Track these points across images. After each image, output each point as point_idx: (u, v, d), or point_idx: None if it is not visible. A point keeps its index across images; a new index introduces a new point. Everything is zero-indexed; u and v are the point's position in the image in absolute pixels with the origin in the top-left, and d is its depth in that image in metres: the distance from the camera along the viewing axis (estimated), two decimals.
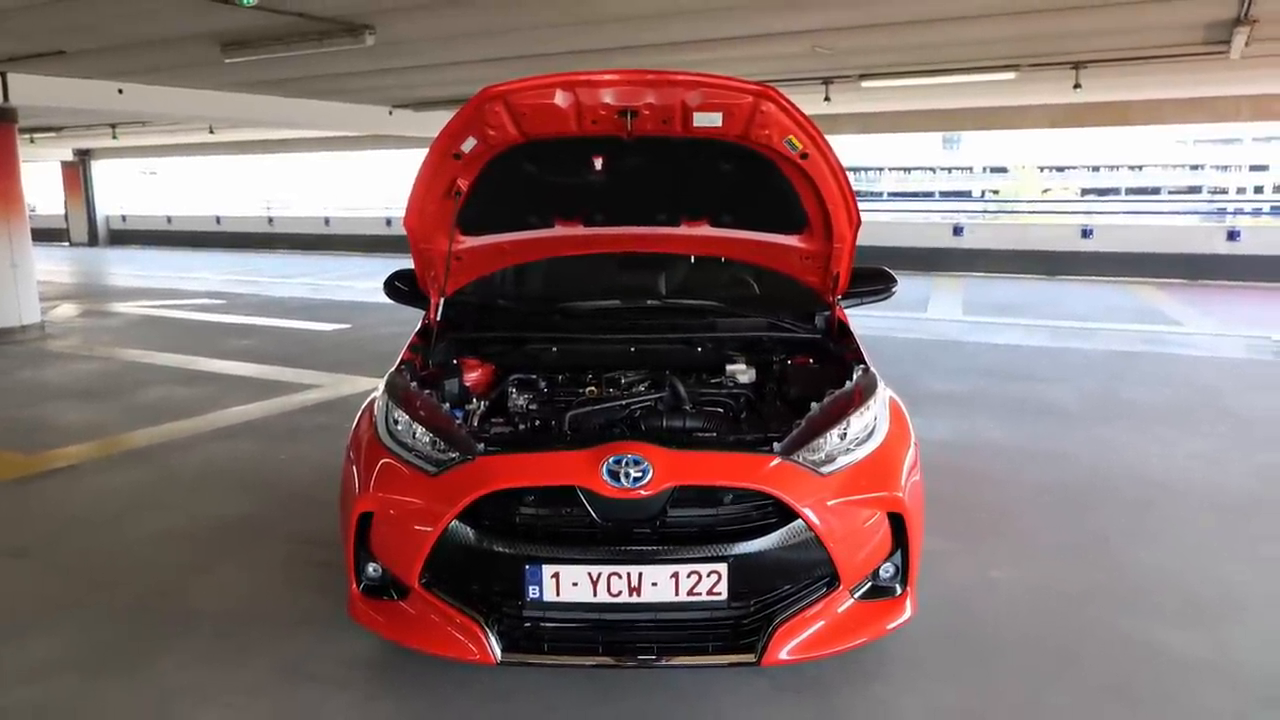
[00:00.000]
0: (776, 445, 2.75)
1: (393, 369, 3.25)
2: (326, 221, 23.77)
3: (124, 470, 5.32)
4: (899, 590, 2.85)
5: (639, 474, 2.58)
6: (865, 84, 11.06)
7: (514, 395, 3.34)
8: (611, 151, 3.21)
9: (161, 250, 24.69)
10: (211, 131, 18.84)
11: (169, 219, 27.24)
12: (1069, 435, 5.88)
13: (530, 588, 2.59)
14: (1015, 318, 10.99)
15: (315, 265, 19.38)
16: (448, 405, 3.12)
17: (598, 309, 3.75)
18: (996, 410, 6.47)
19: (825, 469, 2.72)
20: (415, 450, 2.81)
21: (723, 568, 2.58)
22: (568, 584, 2.58)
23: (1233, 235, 14.19)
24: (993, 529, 4.27)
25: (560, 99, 2.90)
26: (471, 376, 3.46)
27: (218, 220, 26.20)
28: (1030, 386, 7.26)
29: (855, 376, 3.11)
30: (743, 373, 3.49)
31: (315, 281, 16.08)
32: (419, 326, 3.67)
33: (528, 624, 2.67)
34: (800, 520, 2.62)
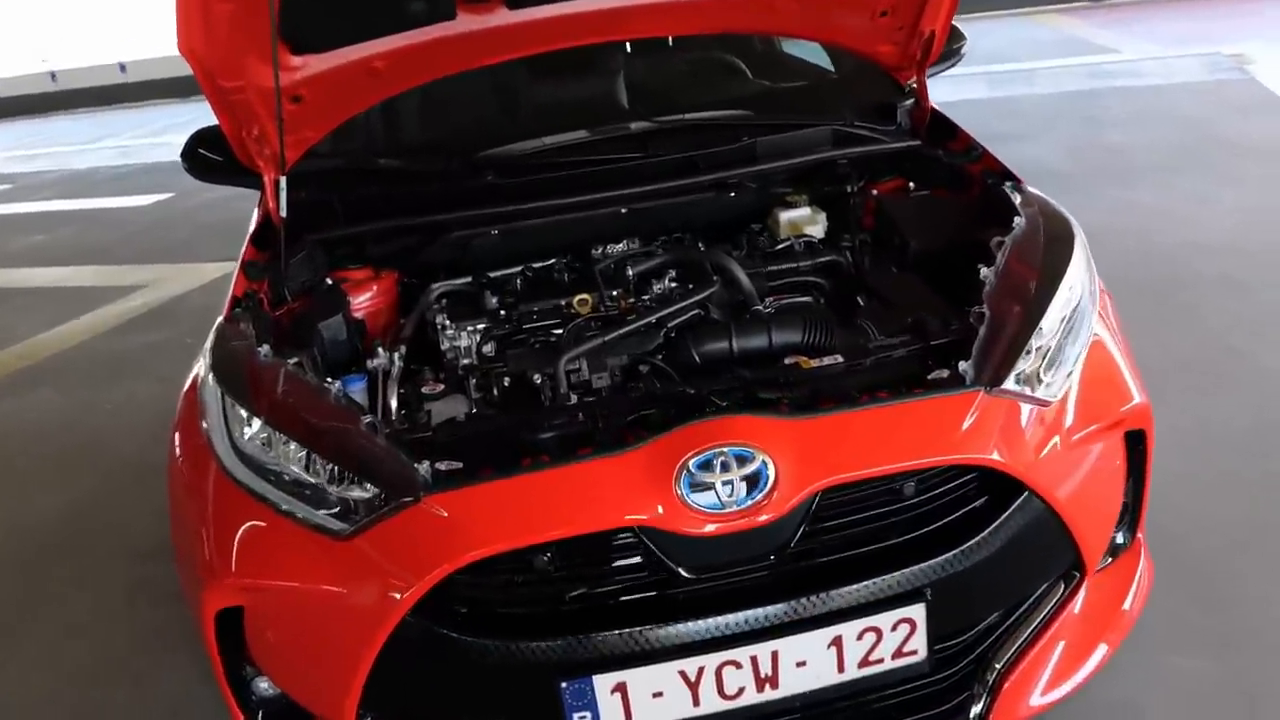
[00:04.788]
0: (964, 365, 1.52)
1: (220, 319, 1.78)
2: (123, 68, 20.28)
3: None
4: (1126, 541, 1.76)
5: (752, 477, 1.34)
6: None
7: (447, 328, 1.92)
8: None
9: None
10: None
11: None
12: (1088, 204, 4.83)
13: (576, 716, 1.38)
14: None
15: (119, 123, 16.43)
16: (337, 384, 1.65)
17: (551, 149, 2.23)
18: None
19: (1047, 392, 1.52)
20: (293, 486, 1.46)
21: (917, 610, 1.40)
22: (644, 697, 1.37)
23: None
24: None
25: None
26: (362, 303, 2.02)
27: None
28: (1005, 148, 6.12)
29: (1019, 206, 1.87)
30: (809, 222, 2.17)
31: (121, 143, 13.47)
32: (252, 227, 2.14)
33: None
34: (1030, 492, 1.45)
